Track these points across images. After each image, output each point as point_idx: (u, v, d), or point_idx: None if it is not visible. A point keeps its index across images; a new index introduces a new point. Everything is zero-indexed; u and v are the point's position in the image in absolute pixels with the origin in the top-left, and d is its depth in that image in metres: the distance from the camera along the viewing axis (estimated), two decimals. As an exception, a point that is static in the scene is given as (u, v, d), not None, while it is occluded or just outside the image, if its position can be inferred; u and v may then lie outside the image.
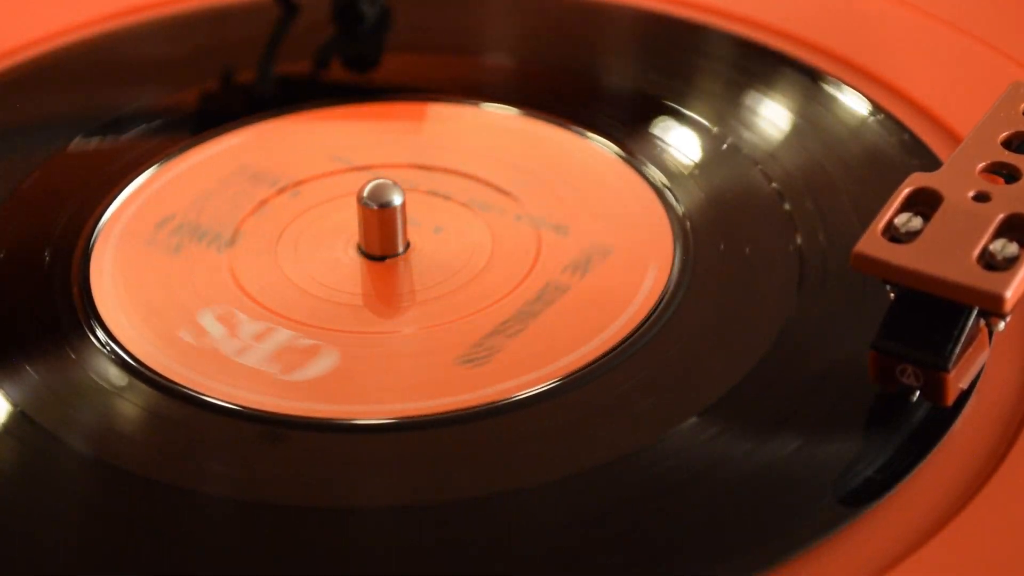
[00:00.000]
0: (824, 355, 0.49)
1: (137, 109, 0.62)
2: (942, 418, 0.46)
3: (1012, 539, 0.44)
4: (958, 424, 0.47)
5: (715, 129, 0.59)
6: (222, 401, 0.48)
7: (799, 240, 0.53)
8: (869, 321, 0.46)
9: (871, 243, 0.45)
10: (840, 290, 0.51)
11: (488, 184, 0.57)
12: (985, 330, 0.46)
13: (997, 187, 0.46)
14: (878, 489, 0.45)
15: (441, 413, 0.48)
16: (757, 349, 0.49)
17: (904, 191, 0.46)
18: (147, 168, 0.58)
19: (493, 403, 0.48)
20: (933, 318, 0.45)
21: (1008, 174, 0.47)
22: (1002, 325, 0.45)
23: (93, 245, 0.54)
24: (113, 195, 0.57)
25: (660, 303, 0.51)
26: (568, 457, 0.46)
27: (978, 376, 0.47)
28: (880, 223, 0.46)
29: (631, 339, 0.50)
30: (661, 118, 0.60)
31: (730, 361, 0.49)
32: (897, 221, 0.46)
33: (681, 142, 0.59)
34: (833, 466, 0.45)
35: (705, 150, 0.58)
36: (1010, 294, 0.43)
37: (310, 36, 0.66)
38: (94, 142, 0.60)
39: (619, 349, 0.50)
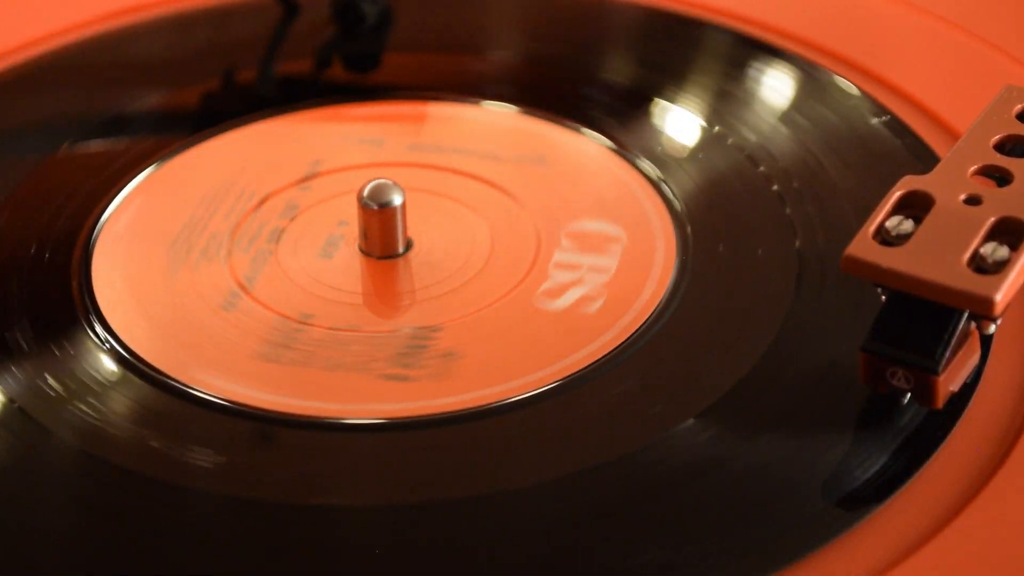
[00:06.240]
0: (823, 356, 0.49)
1: (137, 108, 0.62)
2: (941, 421, 0.46)
3: (1011, 542, 0.44)
4: (957, 427, 0.46)
5: (716, 128, 0.59)
6: (216, 397, 0.49)
7: (797, 242, 0.53)
8: (869, 323, 0.46)
9: (862, 246, 0.45)
10: (839, 291, 0.51)
11: (488, 183, 0.57)
12: (976, 333, 0.46)
13: (989, 190, 0.46)
14: (878, 493, 0.44)
15: (441, 413, 0.48)
16: (755, 351, 0.49)
17: (895, 194, 0.46)
18: (147, 167, 0.58)
19: (491, 404, 0.48)
20: (923, 321, 0.45)
21: (1000, 177, 0.47)
22: (992, 328, 0.45)
23: (94, 243, 0.55)
24: (113, 194, 0.57)
25: (658, 305, 0.51)
26: (564, 458, 0.46)
27: (974, 379, 0.47)
28: (871, 226, 0.45)
29: (629, 341, 0.50)
30: (662, 117, 0.60)
31: (728, 363, 0.49)
32: (888, 224, 0.46)
33: (682, 143, 0.59)
34: (833, 469, 0.45)
35: (706, 150, 0.58)
36: (1000, 297, 0.43)
37: (311, 35, 0.66)
38: (94, 141, 0.60)
39: (617, 350, 0.50)
